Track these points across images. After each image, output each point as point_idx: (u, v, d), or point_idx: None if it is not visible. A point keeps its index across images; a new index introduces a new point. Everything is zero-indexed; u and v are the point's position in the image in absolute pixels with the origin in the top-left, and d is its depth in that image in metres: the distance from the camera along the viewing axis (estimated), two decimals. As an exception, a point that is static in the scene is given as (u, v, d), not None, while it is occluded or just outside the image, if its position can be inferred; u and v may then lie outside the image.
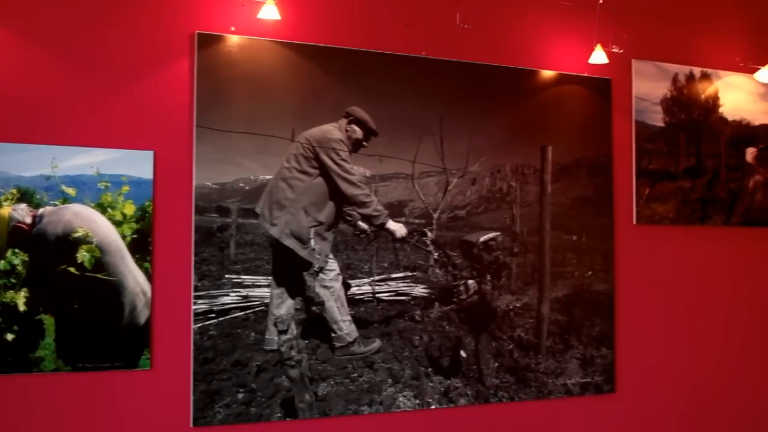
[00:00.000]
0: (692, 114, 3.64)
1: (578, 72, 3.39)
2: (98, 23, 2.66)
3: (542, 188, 3.27)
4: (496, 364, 3.18)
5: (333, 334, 2.92)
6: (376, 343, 2.99)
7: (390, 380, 3.00)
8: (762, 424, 3.82)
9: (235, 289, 2.79)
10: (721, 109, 3.72)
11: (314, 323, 2.90)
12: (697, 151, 3.65)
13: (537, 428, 3.27)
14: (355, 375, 2.95)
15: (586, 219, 3.38)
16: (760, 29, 3.76)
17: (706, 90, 3.69)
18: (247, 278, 2.81)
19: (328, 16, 2.98)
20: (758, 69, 3.69)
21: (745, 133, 3.77)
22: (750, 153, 3.78)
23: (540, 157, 3.28)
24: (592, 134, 3.41)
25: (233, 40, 2.81)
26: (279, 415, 2.81)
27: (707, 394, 3.68)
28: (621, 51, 3.39)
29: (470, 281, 3.17)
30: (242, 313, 2.79)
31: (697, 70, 3.67)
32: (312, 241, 2.89)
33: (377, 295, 3.01)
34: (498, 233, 3.22)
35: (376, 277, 3.01)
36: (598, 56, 3.29)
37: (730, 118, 3.74)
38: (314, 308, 2.90)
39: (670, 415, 3.59)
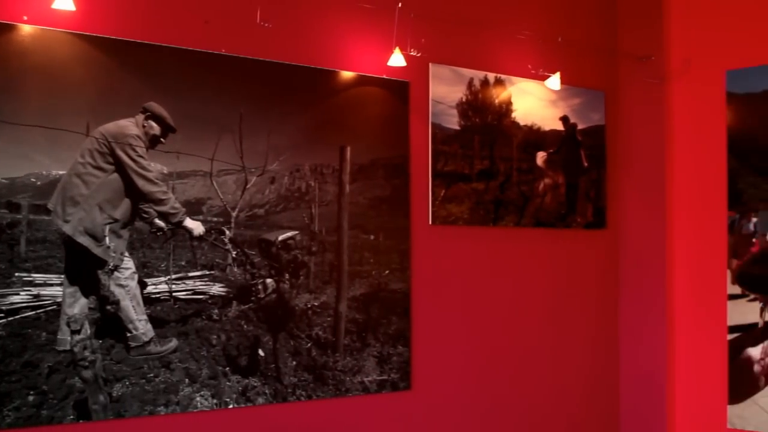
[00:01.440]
0: (486, 118, 4.64)
1: (377, 74, 4.24)
2: None
3: (340, 188, 4.10)
4: (294, 363, 3.95)
5: (128, 334, 3.54)
6: (173, 343, 3.65)
7: (187, 380, 3.67)
8: (553, 421, 4.91)
9: (25, 288, 3.33)
10: (513, 114, 4.75)
11: (109, 322, 3.50)
12: (491, 154, 4.65)
13: (335, 426, 4.08)
14: (151, 375, 3.59)
15: (384, 219, 4.25)
16: (551, 38, 4.83)
17: (499, 95, 4.70)
18: (38, 276, 3.36)
19: (126, 9, 3.60)
20: (548, 76, 4.74)
21: (535, 137, 4.83)
22: (540, 157, 4.86)
23: (338, 157, 4.10)
24: (390, 135, 4.28)
25: (25, 29, 3.35)
26: (72, 417, 3.39)
27: (500, 389, 4.70)
28: (419, 54, 4.28)
29: (268, 280, 3.91)
30: (33, 312, 3.34)
31: (491, 76, 4.67)
32: (107, 239, 3.50)
33: (174, 294, 3.67)
34: (296, 232, 3.99)
35: (173, 276, 3.67)
36: (397, 59, 4.15)
37: (522, 123, 4.78)
38: (109, 307, 3.50)
39: (464, 411, 4.55)
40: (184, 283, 3.70)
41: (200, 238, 3.74)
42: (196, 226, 3.73)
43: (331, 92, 4.10)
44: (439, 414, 4.46)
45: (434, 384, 4.43)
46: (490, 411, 4.66)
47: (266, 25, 3.87)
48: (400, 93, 4.31)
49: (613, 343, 5.20)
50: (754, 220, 4.75)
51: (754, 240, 4.75)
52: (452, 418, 4.51)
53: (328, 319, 4.06)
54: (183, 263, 3.70)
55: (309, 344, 4.00)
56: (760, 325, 4.70)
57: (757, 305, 4.71)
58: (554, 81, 4.73)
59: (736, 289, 4.79)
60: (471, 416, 4.59)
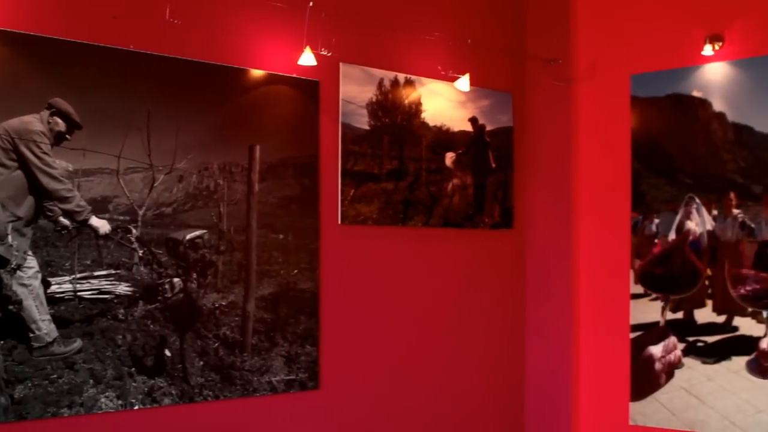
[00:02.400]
0: (396, 118, 4.87)
1: (287, 73, 4.41)
2: None
3: (249, 187, 4.26)
4: (202, 363, 4.09)
5: (31, 334, 3.63)
6: (77, 343, 3.75)
7: (92, 381, 3.77)
8: (460, 417, 5.17)
9: (-76, 287, 3.40)
10: (423, 115, 4.99)
11: (11, 323, 3.58)
12: (400, 154, 4.88)
13: (242, 426, 4.24)
14: (55, 376, 3.68)
15: (293, 218, 4.42)
16: (460, 40, 5.08)
17: (409, 96, 4.93)
18: (-63, 275, 3.43)
19: (31, 3, 3.67)
20: (458, 78, 4.99)
21: (445, 138, 5.08)
22: (449, 158, 5.11)
23: (248, 155, 4.26)
24: (300, 135, 4.46)
25: (-75, 22, 3.42)
26: (-29, 419, 3.47)
27: (408, 388, 4.92)
28: (329, 54, 4.47)
29: (176, 279, 4.05)
30: (-68, 312, 3.41)
31: (401, 76, 4.90)
32: (9, 237, 3.58)
33: (79, 294, 3.77)
34: (205, 231, 4.13)
35: (78, 275, 3.77)
36: (307, 58, 4.32)
37: (431, 124, 5.03)
38: (11, 307, 3.58)
39: (372, 409, 4.76)
40: (89, 282, 3.80)
41: (106, 236, 3.85)
42: (101, 225, 3.84)
43: (241, 90, 4.25)
44: (348, 413, 4.66)
45: (342, 383, 4.63)
46: (398, 409, 4.89)
47: (175, 21, 4.00)
48: (310, 92, 4.50)
49: (520, 342, 5.50)
50: (656, 221, 5.10)
51: (656, 241, 5.10)
52: (360, 417, 4.72)
53: (236, 318, 4.22)
54: (88, 262, 3.80)
55: (216, 344, 4.15)
56: (661, 324, 5.04)
57: (659, 304, 5.06)
58: (463, 82, 4.98)
59: (639, 289, 5.13)
60: (379, 414, 4.80)
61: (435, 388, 5.06)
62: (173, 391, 3.99)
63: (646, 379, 5.08)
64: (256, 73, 4.31)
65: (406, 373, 4.93)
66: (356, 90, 4.69)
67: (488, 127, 5.30)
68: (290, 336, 4.40)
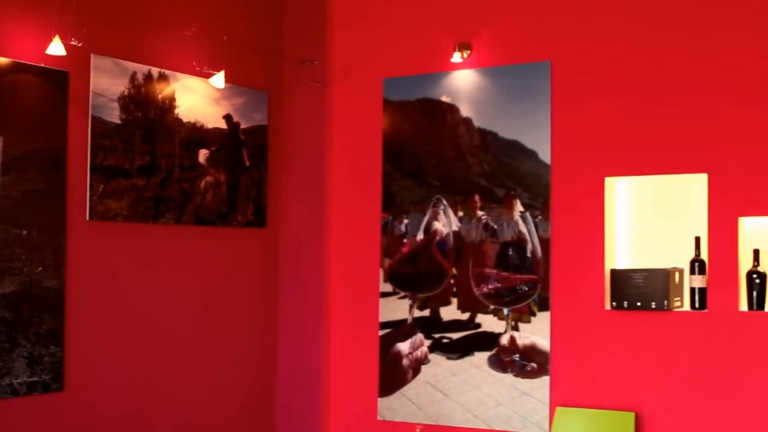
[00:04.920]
0: (149, 113, 5.02)
1: (34, 62, 4.45)
2: None
3: (-9, 180, 4.29)
4: (-65, 365, 4.09)
5: None
6: None
7: None
8: (212, 418, 5.38)
9: None
10: (177, 111, 5.17)
11: None
12: (152, 149, 5.03)
13: (-21, 432, 4.26)
14: None
15: (38, 213, 4.47)
16: (216, 36, 5.31)
17: (163, 90, 5.10)
18: None
19: None
20: (213, 74, 5.21)
21: (198, 135, 5.29)
22: (203, 155, 5.32)
23: (-11, 147, 4.29)
24: (47, 127, 4.51)
25: None
26: None
27: (158, 388, 5.07)
28: (80, 44, 4.54)
29: None
30: None
31: (155, 71, 5.05)
32: None
33: None
34: (-59, 226, 4.13)
35: None
36: (56, 48, 4.36)
37: (185, 120, 5.22)
38: None
39: (119, 411, 4.86)
40: None
41: None
42: None
43: (-17, 79, 4.28)
44: (94, 415, 4.75)
45: (89, 384, 4.72)
46: (148, 410, 5.03)
47: None
48: (58, 83, 4.56)
49: (271, 340, 5.79)
50: (406, 221, 5.55)
51: (405, 240, 5.55)
52: (107, 418, 4.81)
53: (-28, 318, 4.24)
54: None
55: (-48, 345, 4.15)
56: (408, 321, 5.50)
57: (407, 302, 5.51)
58: (218, 79, 5.21)
59: (388, 287, 5.56)
60: (127, 416, 4.92)
61: (186, 388, 5.25)
62: None
63: (394, 375, 5.50)
64: (0, 60, 4.33)
65: (156, 373, 5.09)
66: (108, 83, 4.80)
67: (243, 125, 5.56)
68: (33, 336, 4.46)
